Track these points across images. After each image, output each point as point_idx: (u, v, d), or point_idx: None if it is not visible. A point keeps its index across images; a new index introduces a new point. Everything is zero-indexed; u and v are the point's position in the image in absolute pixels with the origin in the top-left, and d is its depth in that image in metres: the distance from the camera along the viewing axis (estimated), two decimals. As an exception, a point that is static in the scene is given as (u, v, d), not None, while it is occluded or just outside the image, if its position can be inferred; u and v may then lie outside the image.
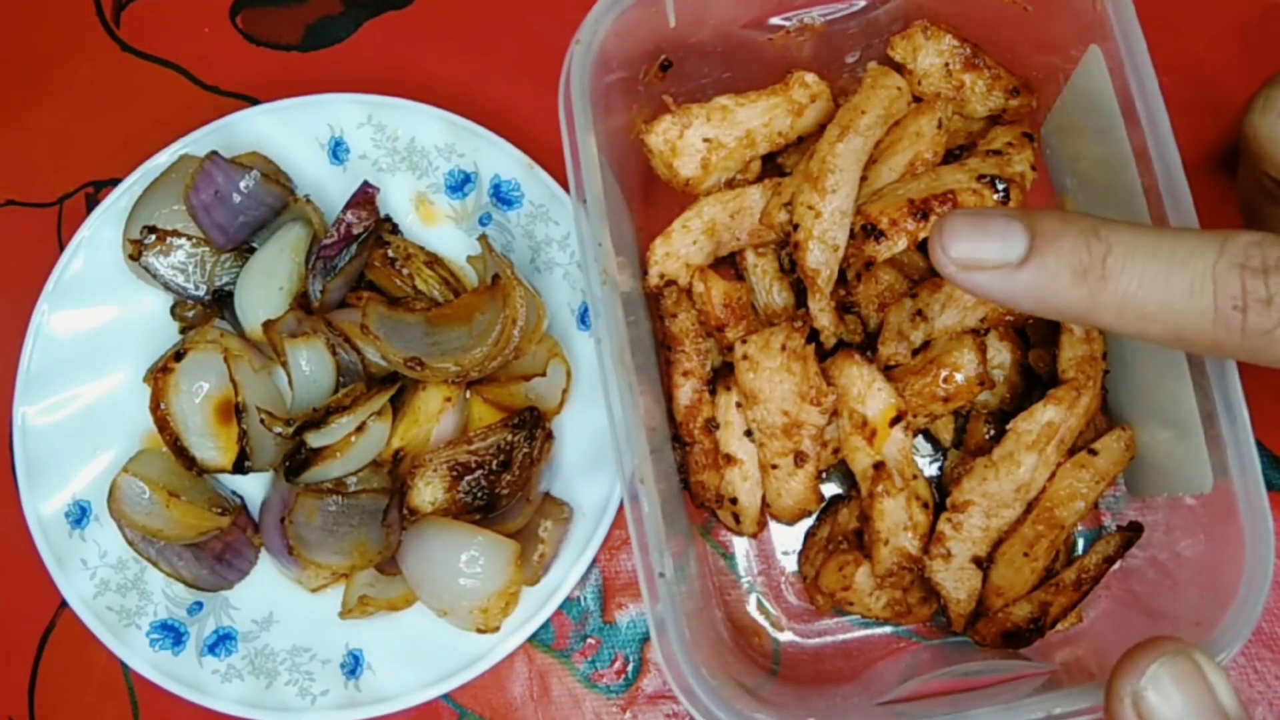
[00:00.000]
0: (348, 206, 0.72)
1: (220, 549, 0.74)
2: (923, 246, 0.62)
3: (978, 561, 0.62)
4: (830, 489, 0.71)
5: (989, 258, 0.43)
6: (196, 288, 0.75)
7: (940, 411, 0.63)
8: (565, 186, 0.67)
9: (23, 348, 0.76)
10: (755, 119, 0.67)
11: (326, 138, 0.78)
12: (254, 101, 0.83)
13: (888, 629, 0.70)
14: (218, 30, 0.87)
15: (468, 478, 0.70)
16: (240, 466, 0.70)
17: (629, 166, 0.69)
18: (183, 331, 0.77)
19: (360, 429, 0.68)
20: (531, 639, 0.72)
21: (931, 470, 0.71)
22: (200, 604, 0.74)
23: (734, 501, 0.66)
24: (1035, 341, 0.67)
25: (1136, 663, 0.44)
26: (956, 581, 0.62)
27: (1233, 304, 0.42)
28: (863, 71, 0.67)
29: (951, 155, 0.68)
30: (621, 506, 0.61)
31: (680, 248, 0.68)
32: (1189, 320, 0.42)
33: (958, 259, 0.43)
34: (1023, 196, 0.60)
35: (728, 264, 0.71)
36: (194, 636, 0.73)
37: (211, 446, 0.72)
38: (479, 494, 0.70)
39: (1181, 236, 0.43)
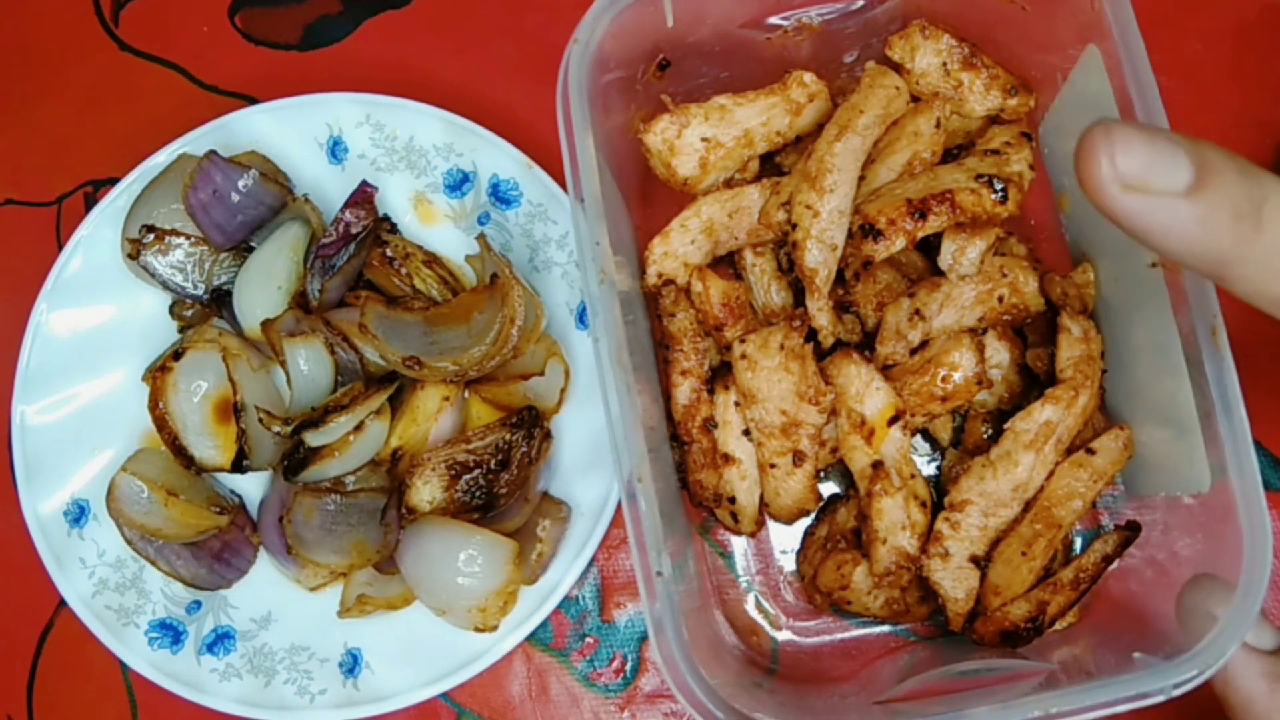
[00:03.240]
0: (346, 206, 0.72)
1: (219, 548, 0.74)
2: (922, 245, 0.62)
3: (975, 561, 0.62)
4: (829, 488, 0.71)
5: (1158, 181, 0.39)
6: (195, 287, 0.75)
7: (938, 411, 0.63)
8: (563, 186, 0.67)
9: (21, 347, 0.76)
10: (753, 118, 0.67)
11: (325, 137, 0.78)
12: (252, 101, 0.83)
13: (886, 628, 0.70)
14: (216, 29, 0.87)
15: (466, 477, 0.70)
16: (239, 465, 0.70)
17: (627, 166, 0.69)
18: (181, 331, 0.77)
19: (359, 428, 0.69)
20: (530, 638, 0.72)
21: (929, 469, 0.71)
22: (199, 603, 0.74)
23: (732, 501, 0.67)
24: (1033, 341, 0.67)
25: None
26: (954, 580, 0.62)
27: None
28: (861, 71, 0.67)
29: (950, 155, 0.68)
30: (620, 506, 0.61)
31: (678, 247, 0.68)
32: None
33: (1126, 174, 0.39)
34: (1020, 196, 0.60)
35: (726, 263, 0.71)
36: (192, 635, 0.73)
37: (210, 445, 0.72)
38: (477, 493, 0.70)
39: None
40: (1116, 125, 0.39)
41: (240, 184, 0.72)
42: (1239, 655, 0.52)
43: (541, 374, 0.72)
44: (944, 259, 0.63)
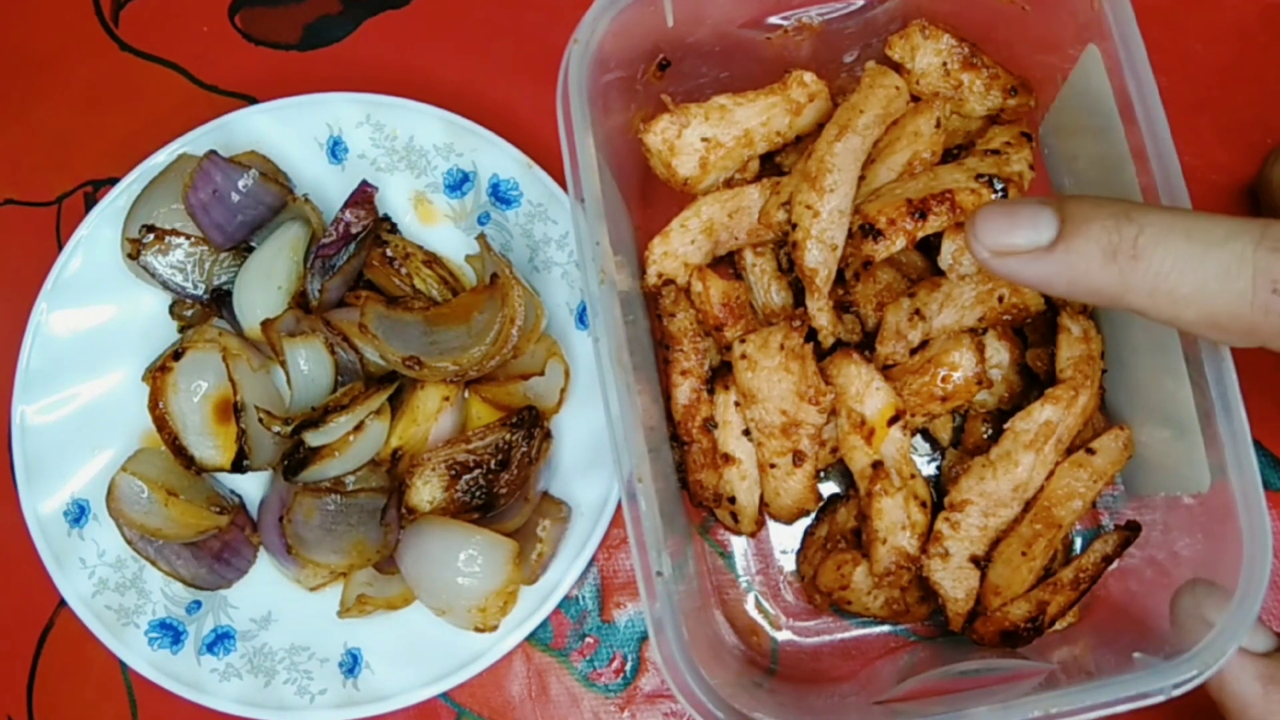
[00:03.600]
0: (346, 206, 0.72)
1: (219, 548, 0.74)
2: (922, 245, 0.63)
3: (975, 561, 0.62)
4: (828, 488, 0.71)
5: (1020, 243, 0.44)
6: (195, 287, 0.75)
7: (938, 411, 0.63)
8: (564, 186, 0.67)
9: (21, 347, 0.76)
10: (753, 118, 0.67)
11: (325, 137, 0.78)
12: (252, 101, 0.83)
13: (886, 628, 0.70)
14: (216, 29, 0.87)
15: (466, 477, 0.70)
16: (239, 465, 0.70)
17: (627, 166, 0.69)
18: (181, 330, 0.77)
19: (359, 428, 0.69)
20: (530, 638, 0.72)
21: (929, 469, 0.71)
22: (199, 603, 0.74)
23: (732, 501, 0.67)
24: (1033, 341, 0.67)
25: None
26: (954, 580, 0.62)
27: (1273, 288, 0.41)
28: (861, 71, 0.67)
29: (950, 155, 0.68)
30: (620, 506, 0.61)
31: (678, 247, 0.68)
32: (1224, 304, 0.42)
33: (990, 246, 0.45)
34: (1020, 195, 0.60)
35: (726, 263, 0.71)
36: (192, 635, 0.74)
37: (210, 445, 0.72)
38: (477, 493, 0.70)
39: (1217, 220, 0.43)
40: (981, 208, 0.45)
41: (240, 184, 0.72)
42: (1234, 658, 0.52)
43: (541, 374, 0.72)
44: (944, 259, 0.63)
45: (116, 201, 0.77)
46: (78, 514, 0.75)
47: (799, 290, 0.68)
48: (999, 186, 0.59)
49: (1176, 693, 0.51)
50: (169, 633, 0.73)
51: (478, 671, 0.70)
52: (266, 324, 0.71)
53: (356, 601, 0.70)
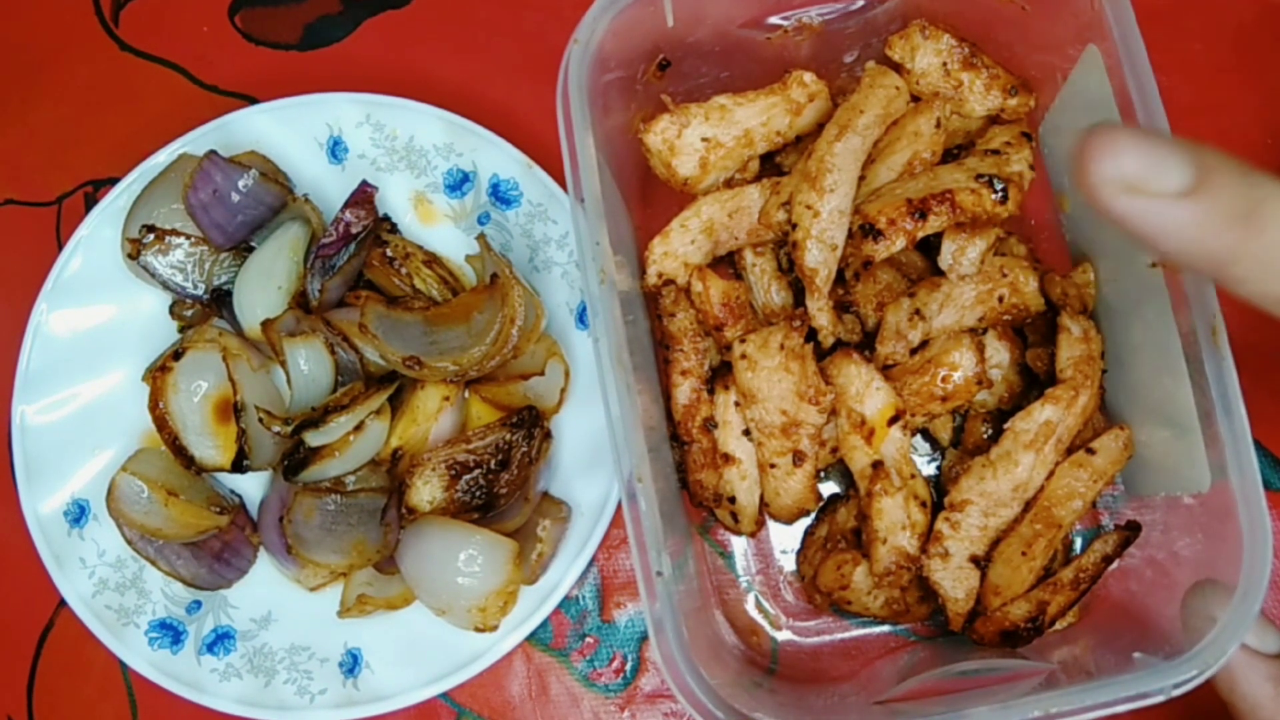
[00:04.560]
0: (346, 206, 0.72)
1: (219, 548, 0.74)
2: (922, 245, 0.62)
3: (975, 560, 0.62)
4: (828, 488, 0.71)
5: (1156, 183, 0.39)
6: (195, 287, 0.75)
7: (938, 411, 0.63)
8: (564, 186, 0.67)
9: (21, 347, 0.76)
10: (753, 118, 0.67)
11: (325, 137, 0.78)
12: (252, 101, 0.83)
13: (886, 628, 0.70)
14: (216, 29, 0.87)
15: (466, 477, 0.70)
16: (239, 465, 0.70)
17: (627, 166, 0.69)
18: (181, 330, 0.77)
19: (359, 428, 0.69)
20: (530, 638, 0.72)
21: (929, 469, 0.71)
22: (199, 603, 0.74)
23: (732, 500, 0.67)
24: (1033, 341, 0.67)
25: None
26: (954, 580, 0.62)
27: None
28: (861, 71, 0.67)
29: (950, 155, 0.68)
30: (620, 505, 0.61)
31: (678, 247, 0.68)
32: None
33: (1125, 176, 0.39)
34: (1021, 196, 0.60)
35: (726, 263, 0.71)
36: (192, 635, 0.74)
37: (210, 445, 0.72)
38: (477, 493, 0.70)
39: None
40: (1116, 128, 0.40)
41: (240, 184, 0.72)
42: (1244, 659, 0.52)
43: (541, 374, 0.72)
44: (944, 259, 0.63)
45: (116, 201, 0.77)
46: (78, 514, 0.75)
47: (799, 290, 0.68)
48: (999, 186, 0.59)
49: (1176, 693, 0.51)
50: (169, 633, 0.73)
51: (478, 671, 0.70)
52: (266, 324, 0.71)
53: (356, 601, 0.70)
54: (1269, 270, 0.41)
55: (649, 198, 0.74)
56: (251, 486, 0.77)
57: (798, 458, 0.63)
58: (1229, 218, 0.40)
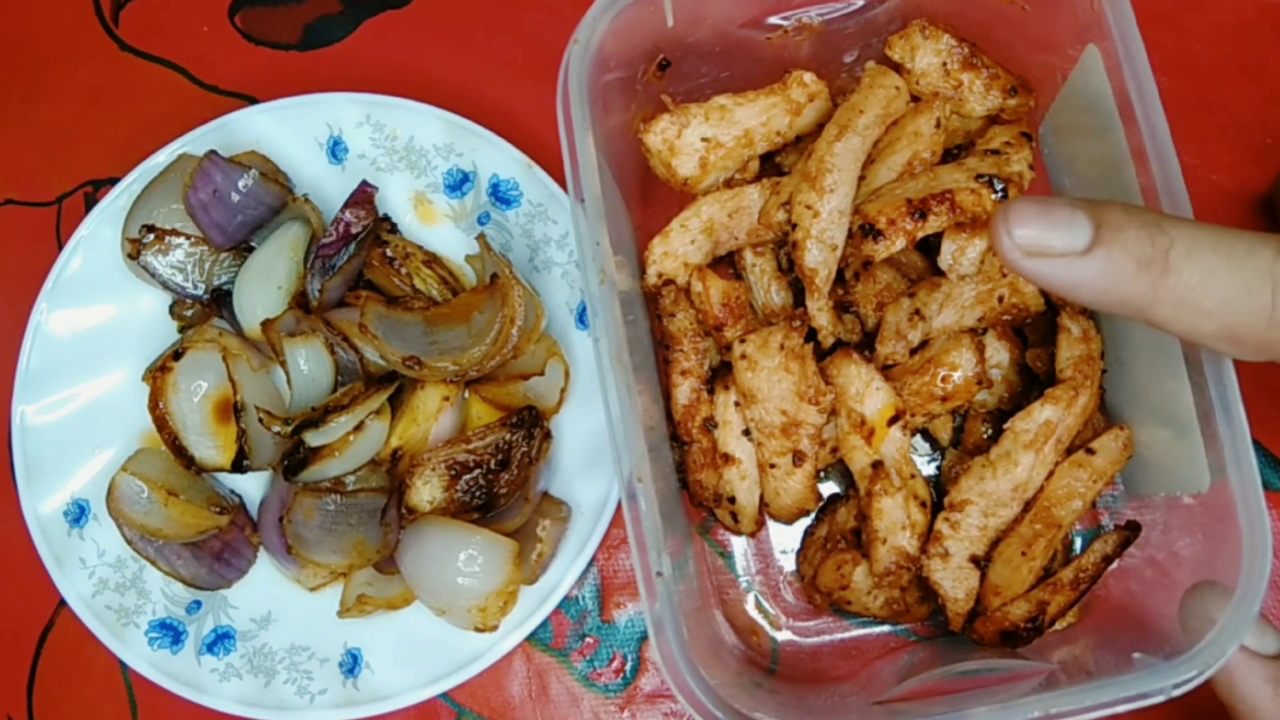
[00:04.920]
0: (346, 205, 0.72)
1: (219, 548, 0.74)
2: (922, 246, 0.62)
3: (975, 561, 0.62)
4: (828, 488, 0.71)
5: (1055, 245, 0.43)
6: (195, 287, 0.75)
7: (938, 411, 0.63)
8: (564, 186, 0.67)
9: (21, 347, 0.76)
10: (753, 118, 0.67)
11: (325, 137, 0.78)
12: (252, 101, 0.83)
13: (886, 628, 0.70)
14: (216, 29, 0.87)
15: (466, 477, 0.70)
16: (239, 465, 0.70)
17: (627, 166, 0.69)
18: (181, 330, 0.77)
19: (358, 428, 0.69)
20: (530, 638, 0.72)
21: (929, 469, 0.71)
22: (199, 603, 0.74)
23: (732, 500, 0.67)
24: (1033, 341, 0.67)
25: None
26: (954, 581, 0.62)
27: None
28: (861, 71, 0.67)
29: (950, 155, 0.68)
30: (620, 506, 0.61)
31: (678, 247, 0.68)
32: (1244, 318, 0.43)
33: (1023, 244, 0.43)
34: (1020, 196, 0.60)
35: (726, 263, 0.71)
36: (192, 635, 0.74)
37: (210, 445, 0.72)
38: (477, 493, 0.70)
39: (1240, 234, 0.43)
40: (1015, 201, 0.43)
41: (240, 184, 0.72)
42: (1243, 661, 0.52)
43: (541, 374, 0.72)
44: (944, 259, 0.63)
45: (116, 201, 0.77)
46: (78, 514, 0.75)
47: (799, 290, 0.68)
48: (999, 186, 0.59)
49: (1176, 693, 0.51)
50: (169, 633, 0.73)
51: (478, 671, 0.70)
52: (266, 324, 0.71)
53: (356, 601, 0.70)
54: (1189, 311, 0.43)
55: (649, 198, 0.74)
56: (251, 486, 0.77)
57: (798, 458, 0.63)
58: (1135, 266, 0.42)
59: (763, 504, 0.67)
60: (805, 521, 0.71)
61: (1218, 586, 0.53)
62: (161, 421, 0.71)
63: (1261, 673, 0.52)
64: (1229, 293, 0.42)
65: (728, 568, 0.72)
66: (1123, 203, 0.44)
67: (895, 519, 0.61)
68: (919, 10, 0.66)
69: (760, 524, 0.69)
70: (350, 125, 0.77)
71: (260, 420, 0.69)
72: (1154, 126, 0.54)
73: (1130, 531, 0.62)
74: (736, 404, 0.65)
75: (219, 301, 0.76)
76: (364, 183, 0.73)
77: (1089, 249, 0.42)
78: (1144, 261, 0.42)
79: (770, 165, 0.71)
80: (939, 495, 0.65)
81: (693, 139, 0.66)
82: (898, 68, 0.66)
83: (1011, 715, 0.52)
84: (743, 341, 0.63)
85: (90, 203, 0.84)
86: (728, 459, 0.66)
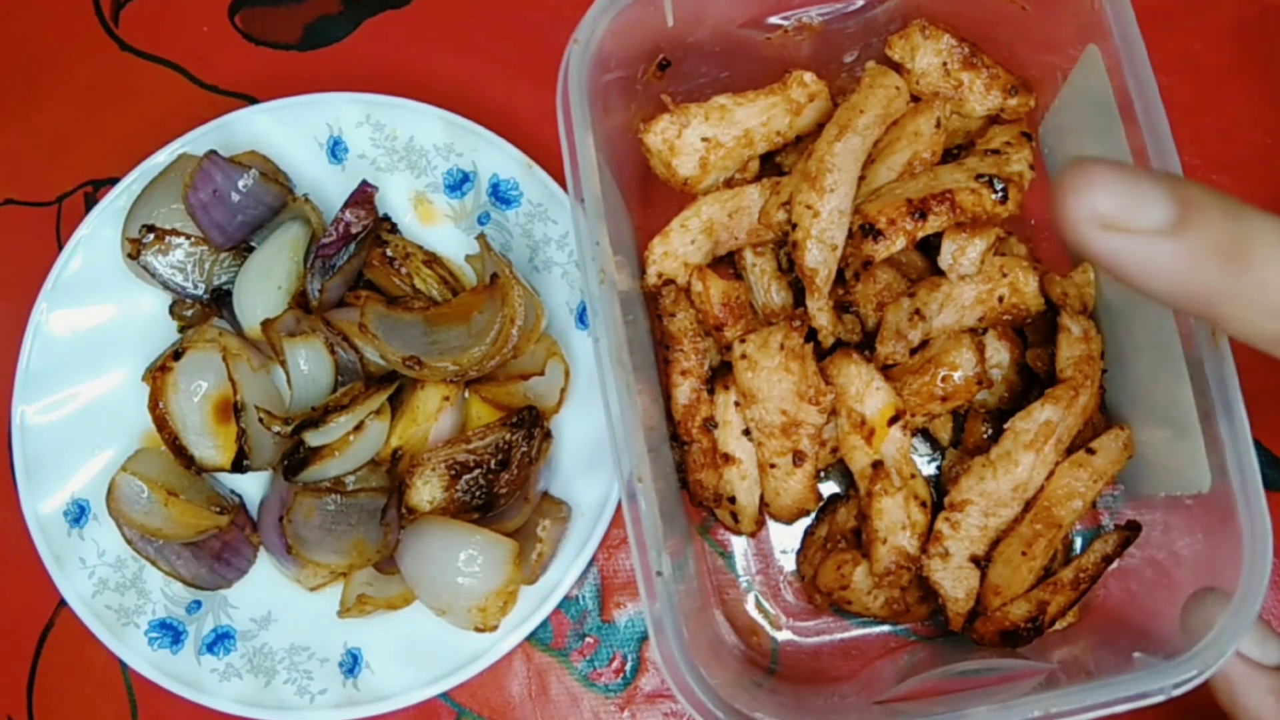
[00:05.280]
0: (346, 205, 0.72)
1: (219, 548, 0.74)
2: (922, 246, 0.62)
3: (976, 560, 0.62)
4: (829, 488, 0.71)
5: (1138, 219, 0.38)
6: (195, 287, 0.75)
7: (938, 411, 0.63)
8: (564, 186, 0.67)
9: (21, 347, 0.76)
10: (753, 118, 0.67)
11: (325, 137, 0.78)
12: (252, 100, 0.83)
13: (886, 628, 0.70)
14: (216, 29, 0.87)
15: (466, 477, 0.70)
16: (239, 465, 0.70)
17: (627, 166, 0.69)
18: (181, 330, 0.77)
19: (358, 428, 0.69)
20: (530, 638, 0.72)
21: (930, 469, 0.71)
22: (199, 603, 0.74)
23: (732, 500, 0.67)
24: (1033, 341, 0.67)
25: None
26: (954, 580, 0.62)
27: None
28: (861, 71, 0.67)
29: (950, 155, 0.68)
30: (620, 505, 0.61)
31: (678, 247, 0.68)
32: None
33: (1104, 214, 0.38)
34: (1021, 196, 0.60)
35: (726, 263, 0.71)
36: (192, 635, 0.73)
37: (210, 445, 0.72)
38: (477, 493, 0.70)
39: None
40: (1095, 163, 0.38)
41: (240, 184, 0.72)
42: (1245, 672, 0.52)
43: (541, 374, 0.72)
44: (944, 259, 0.63)
45: (116, 201, 0.77)
46: (78, 514, 0.75)
47: (799, 290, 0.68)
48: (999, 186, 0.59)
49: (1176, 693, 0.51)
50: (169, 633, 0.73)
51: (478, 671, 0.70)
52: (266, 324, 0.71)
53: (356, 601, 0.70)
54: (1259, 309, 0.39)
55: (649, 198, 0.74)
56: (251, 486, 0.77)
57: (798, 458, 0.63)
58: (1215, 255, 0.38)
59: (763, 504, 0.67)
60: (805, 521, 0.71)
61: (1219, 593, 0.52)
62: (161, 421, 0.71)
63: (1264, 684, 0.52)
64: None
65: (728, 568, 0.72)
66: (1201, 184, 0.39)
67: (895, 519, 0.61)
68: (919, 10, 0.66)
69: (760, 524, 0.69)
70: (350, 125, 0.77)
71: (260, 420, 0.69)
72: (1154, 126, 0.54)
73: (1130, 531, 0.62)
74: (736, 404, 0.65)
75: (219, 301, 0.76)
76: (364, 183, 0.73)
77: (1172, 229, 0.38)
78: (1225, 251, 0.38)
79: (770, 165, 0.71)
80: (939, 495, 0.65)
81: (693, 139, 0.66)
82: (898, 68, 0.66)
83: (1011, 715, 0.52)
84: (743, 341, 0.63)
85: (90, 203, 0.84)
86: (728, 459, 0.66)
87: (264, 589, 0.75)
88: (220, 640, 0.73)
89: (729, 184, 0.69)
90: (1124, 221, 0.38)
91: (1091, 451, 0.61)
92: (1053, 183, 0.39)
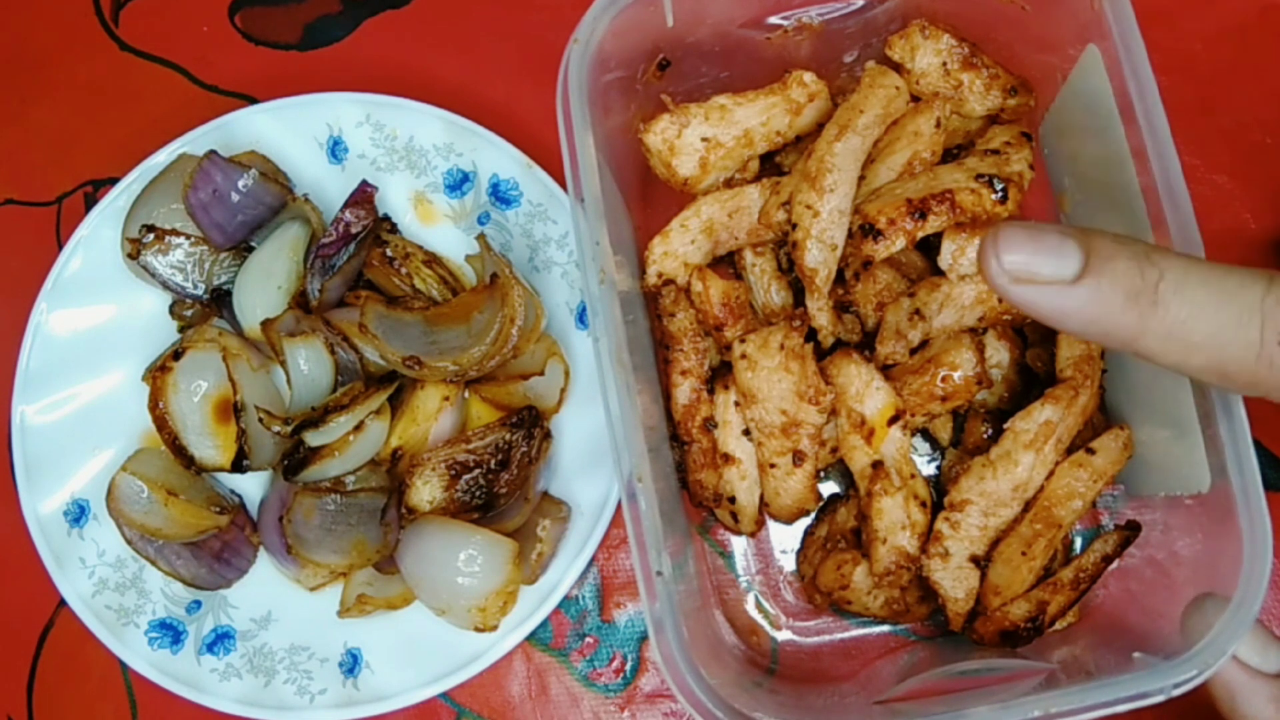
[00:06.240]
0: (346, 205, 0.72)
1: (219, 548, 0.74)
2: (922, 245, 0.63)
3: (975, 560, 0.62)
4: (828, 488, 0.71)
5: (1044, 272, 0.42)
6: (195, 287, 0.75)
7: (938, 410, 0.63)
8: (564, 185, 0.67)
9: (21, 347, 0.76)
10: (753, 118, 0.67)
11: (325, 137, 0.78)
12: (252, 100, 0.83)
13: (886, 628, 0.70)
14: (216, 29, 0.87)
15: (466, 476, 0.70)
16: (239, 465, 0.70)
17: (627, 166, 0.69)
18: (181, 330, 0.77)
19: (358, 428, 0.69)
20: (530, 638, 0.72)
21: (929, 469, 0.71)
22: (199, 603, 0.74)
23: (732, 500, 0.67)
24: (1033, 340, 0.67)
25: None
26: (954, 580, 0.62)
27: (1278, 339, 0.41)
28: (861, 71, 0.67)
29: (950, 154, 0.68)
30: (620, 505, 0.61)
31: (678, 247, 0.68)
32: (1233, 353, 0.42)
33: (1011, 270, 0.42)
34: (1020, 196, 0.60)
35: (726, 263, 0.71)
36: (192, 635, 0.74)
37: (210, 445, 0.72)
38: (477, 493, 0.70)
39: (1230, 269, 0.42)
40: (1004, 226, 0.42)
41: (240, 184, 0.72)
42: (1245, 679, 0.52)
43: (541, 374, 0.72)
44: (944, 259, 0.63)
45: (116, 201, 0.77)
46: (78, 514, 0.75)
47: (799, 290, 0.68)
48: (999, 186, 0.59)
49: (1176, 693, 0.51)
50: (169, 633, 0.73)
51: (478, 671, 0.70)
52: (266, 324, 0.71)
53: (356, 601, 0.70)
54: (1177, 344, 0.42)
55: (649, 198, 0.74)
56: (251, 486, 0.77)
57: (798, 458, 0.63)
58: (1124, 297, 0.42)
59: (763, 504, 0.67)
60: (805, 521, 0.71)
61: (1219, 599, 0.52)
62: (161, 421, 0.71)
63: (1264, 692, 0.52)
64: (1217, 327, 0.42)
65: (728, 568, 0.72)
66: (1112, 233, 0.43)
67: (895, 519, 0.61)
68: (919, 10, 0.66)
69: (760, 524, 0.69)
70: (350, 125, 0.77)
71: (260, 420, 0.69)
72: (1154, 126, 0.54)
73: (1130, 531, 0.62)
74: (736, 404, 0.65)
75: (219, 301, 0.76)
76: (364, 182, 0.73)
77: (1078, 278, 0.42)
78: (1133, 293, 0.42)
79: (770, 165, 0.71)
80: (939, 495, 0.65)
81: (693, 139, 0.66)
82: (898, 68, 0.66)
83: (1011, 715, 0.52)
84: (743, 341, 0.64)
85: (90, 203, 0.84)
86: (728, 459, 0.66)
87: (264, 589, 0.75)
88: (220, 640, 0.73)
89: (729, 184, 0.69)
90: (1032, 275, 0.42)
91: (1091, 451, 0.61)
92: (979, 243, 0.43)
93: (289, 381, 0.71)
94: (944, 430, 0.69)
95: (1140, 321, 0.42)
